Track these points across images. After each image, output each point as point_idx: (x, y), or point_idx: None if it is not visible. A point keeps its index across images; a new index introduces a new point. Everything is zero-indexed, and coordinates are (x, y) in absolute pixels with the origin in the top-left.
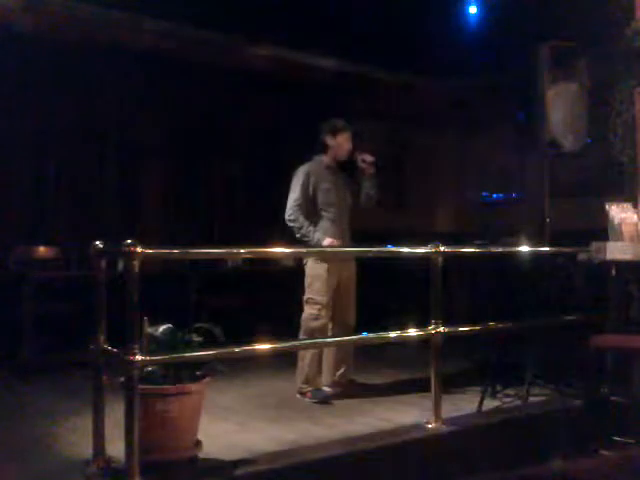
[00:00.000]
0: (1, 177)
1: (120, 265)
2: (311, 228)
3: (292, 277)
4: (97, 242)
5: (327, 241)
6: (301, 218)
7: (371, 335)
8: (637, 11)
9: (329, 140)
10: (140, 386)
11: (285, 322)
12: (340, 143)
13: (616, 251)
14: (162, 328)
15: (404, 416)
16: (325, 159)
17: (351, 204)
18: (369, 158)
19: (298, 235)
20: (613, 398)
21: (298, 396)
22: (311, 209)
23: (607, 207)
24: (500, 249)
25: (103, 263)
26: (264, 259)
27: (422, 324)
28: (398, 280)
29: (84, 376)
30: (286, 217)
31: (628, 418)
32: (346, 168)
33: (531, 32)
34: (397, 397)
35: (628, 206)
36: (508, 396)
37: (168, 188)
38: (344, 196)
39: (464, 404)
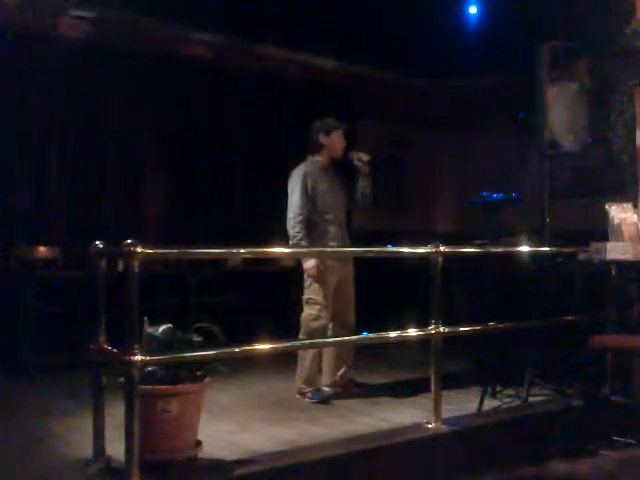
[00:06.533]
0: (1, 177)
1: (120, 265)
2: (304, 243)
3: (292, 277)
4: (97, 242)
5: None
6: (302, 234)
7: (371, 335)
8: (637, 11)
9: (323, 139)
10: (140, 386)
11: (285, 322)
12: (334, 141)
13: (616, 251)
14: (162, 328)
15: (404, 416)
16: (320, 159)
17: (347, 204)
18: (365, 157)
19: (291, 243)
20: (613, 398)
21: (298, 396)
22: (310, 211)
23: (607, 207)
24: (500, 249)
25: (103, 263)
26: (264, 259)
27: (422, 324)
28: (398, 280)
29: (84, 376)
30: (289, 225)
31: (628, 418)
32: (341, 168)
33: (531, 32)
34: (397, 397)
35: (628, 206)
36: (508, 396)
37: (168, 188)
38: (341, 196)
39: (464, 404)
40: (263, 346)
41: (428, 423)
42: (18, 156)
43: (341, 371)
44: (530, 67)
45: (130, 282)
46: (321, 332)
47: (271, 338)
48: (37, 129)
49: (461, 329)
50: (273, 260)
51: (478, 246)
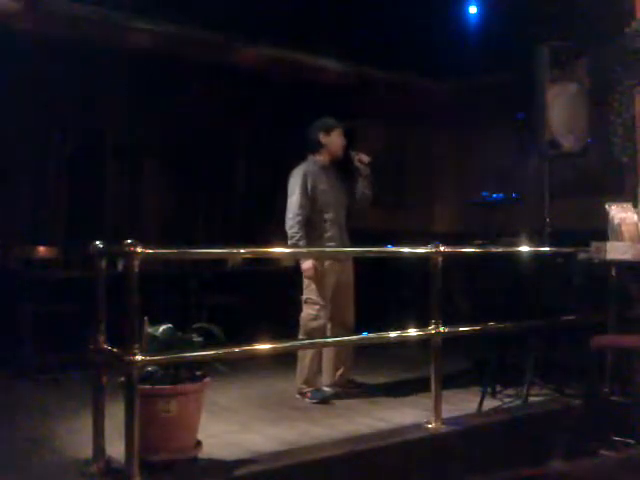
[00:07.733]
0: (1, 177)
1: (120, 265)
2: (302, 243)
3: (292, 277)
4: (97, 242)
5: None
6: (300, 234)
7: (371, 335)
8: (637, 11)
9: (323, 138)
10: (140, 386)
11: (285, 322)
12: (334, 140)
13: (616, 251)
14: (162, 328)
15: (404, 416)
16: (320, 158)
17: (347, 203)
18: (365, 159)
19: (290, 243)
20: (613, 398)
21: (298, 396)
22: (310, 210)
23: (607, 207)
24: (500, 249)
25: (103, 263)
26: (264, 259)
27: (422, 324)
28: (398, 280)
29: (84, 376)
30: (287, 225)
31: (628, 418)
32: (341, 167)
33: (531, 32)
34: (397, 397)
35: (628, 206)
36: (508, 396)
37: (168, 188)
38: (341, 196)
39: (464, 404)
40: (263, 346)
41: (428, 423)
42: (18, 156)
43: (341, 371)
44: (530, 67)
45: (130, 282)
46: (320, 332)
47: (271, 338)
48: (37, 129)
49: (461, 329)
50: (273, 260)
51: (478, 246)
